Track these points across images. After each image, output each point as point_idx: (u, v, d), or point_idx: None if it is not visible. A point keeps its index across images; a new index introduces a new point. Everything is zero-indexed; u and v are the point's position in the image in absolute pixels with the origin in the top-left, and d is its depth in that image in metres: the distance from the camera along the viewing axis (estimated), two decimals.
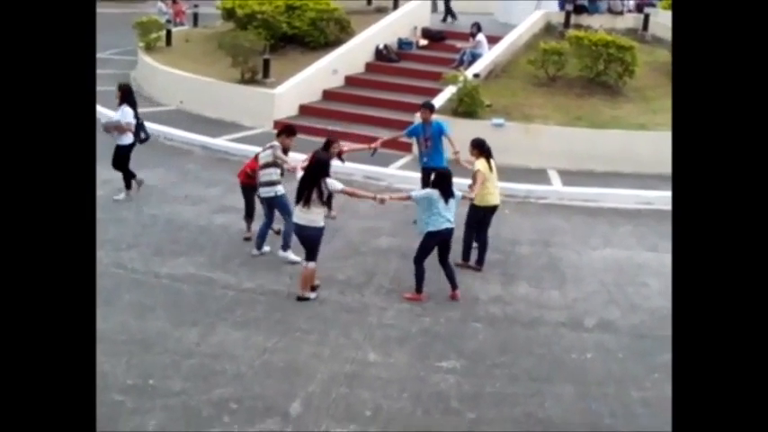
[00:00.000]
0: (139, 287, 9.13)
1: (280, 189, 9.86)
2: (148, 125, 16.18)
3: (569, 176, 14.38)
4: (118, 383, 7.01)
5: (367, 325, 8.57)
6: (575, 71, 16.91)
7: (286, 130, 10.11)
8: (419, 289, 9.25)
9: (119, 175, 12.07)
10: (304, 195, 8.70)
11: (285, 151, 9.99)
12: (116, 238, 10.42)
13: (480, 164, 10.02)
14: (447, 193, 9.07)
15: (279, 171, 9.86)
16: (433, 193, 9.10)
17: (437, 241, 9.13)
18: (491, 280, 10.01)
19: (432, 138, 11.40)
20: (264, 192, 9.91)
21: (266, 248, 10.19)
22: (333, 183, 8.87)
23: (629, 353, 8.28)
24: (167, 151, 15.29)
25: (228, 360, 7.59)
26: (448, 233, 9.15)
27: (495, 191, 10.27)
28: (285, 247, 9.95)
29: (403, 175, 13.78)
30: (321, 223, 8.86)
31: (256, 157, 10.20)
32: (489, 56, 17.73)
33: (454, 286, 9.32)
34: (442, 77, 16.12)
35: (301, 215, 8.79)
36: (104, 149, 11.53)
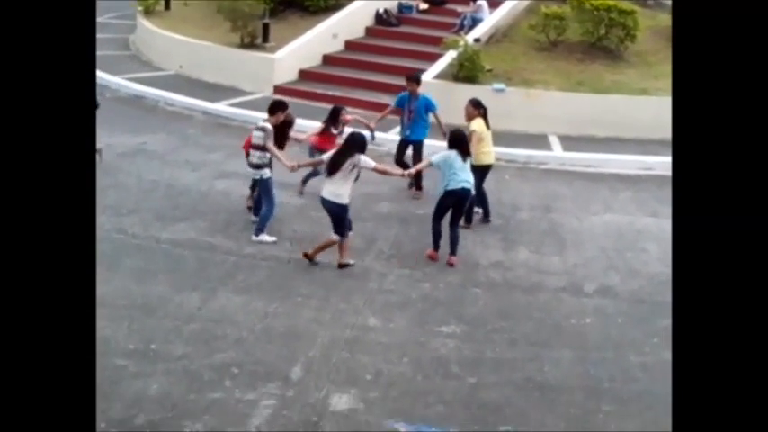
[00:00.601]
0: (140, 252, 9.15)
1: (266, 173, 9.59)
2: (148, 90, 16.23)
3: (570, 142, 14.35)
4: (120, 348, 7.05)
5: (367, 290, 8.61)
6: (576, 36, 16.80)
7: (279, 107, 9.75)
8: (436, 247, 9.41)
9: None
10: (334, 167, 8.69)
11: (289, 124, 9.92)
12: (117, 204, 10.42)
13: (476, 124, 10.10)
14: (464, 151, 9.19)
15: (267, 155, 9.54)
16: (451, 153, 9.19)
17: (453, 200, 9.21)
18: (491, 245, 10.04)
19: (416, 111, 11.39)
20: (252, 173, 9.78)
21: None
22: (366, 160, 8.85)
23: (628, 318, 8.33)
24: (168, 116, 15.27)
25: (230, 325, 7.63)
26: (465, 193, 9.20)
27: (489, 151, 10.33)
28: (258, 231, 9.67)
29: None
30: (345, 200, 8.80)
31: None
32: (490, 20, 17.61)
33: (453, 252, 9.35)
34: (443, 42, 16.02)
35: (326, 187, 8.80)
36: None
